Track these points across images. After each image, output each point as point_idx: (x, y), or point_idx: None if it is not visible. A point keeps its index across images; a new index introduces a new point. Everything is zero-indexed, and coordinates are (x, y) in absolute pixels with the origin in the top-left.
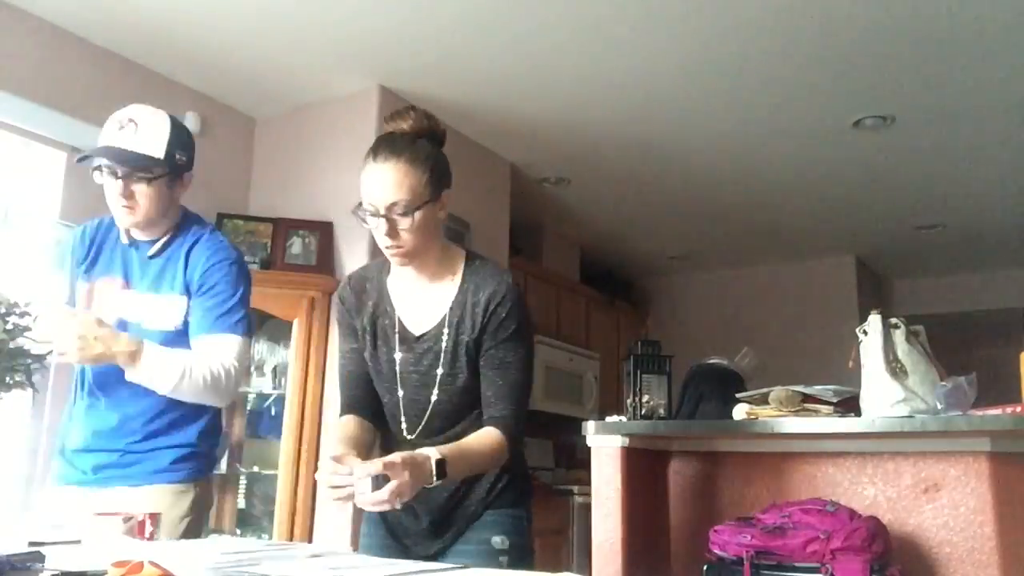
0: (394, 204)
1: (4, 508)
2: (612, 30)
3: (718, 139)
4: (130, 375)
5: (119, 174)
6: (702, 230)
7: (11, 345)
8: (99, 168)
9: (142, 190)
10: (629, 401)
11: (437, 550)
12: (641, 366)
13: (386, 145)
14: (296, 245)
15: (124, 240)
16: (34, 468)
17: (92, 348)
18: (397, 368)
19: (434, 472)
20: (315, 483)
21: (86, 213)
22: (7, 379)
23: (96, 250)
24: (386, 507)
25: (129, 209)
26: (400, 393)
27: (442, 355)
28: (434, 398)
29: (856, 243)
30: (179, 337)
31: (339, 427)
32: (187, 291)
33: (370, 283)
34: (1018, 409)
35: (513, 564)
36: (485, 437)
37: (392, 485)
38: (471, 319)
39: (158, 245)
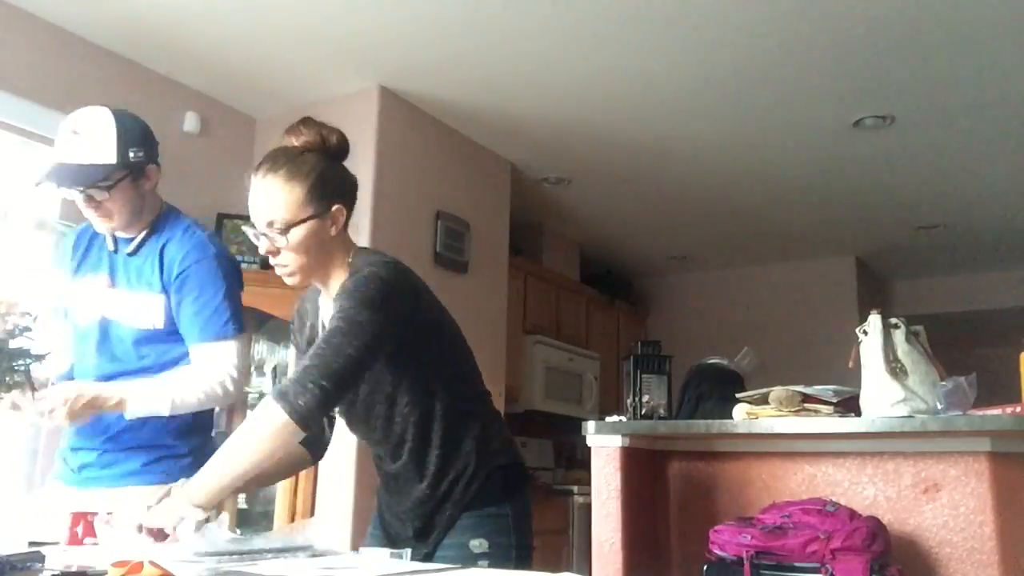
0: (270, 222)
1: (4, 508)
2: (612, 30)
3: (718, 139)
4: (128, 417)
5: (79, 189)
6: (702, 230)
7: (11, 345)
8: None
9: (106, 198)
10: (629, 401)
11: (423, 555)
12: (641, 366)
13: (267, 161)
14: None
15: (109, 244)
16: (34, 468)
17: (78, 411)
18: None
19: (187, 514)
20: (315, 483)
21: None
22: (7, 379)
23: (86, 250)
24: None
25: (102, 217)
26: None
27: None
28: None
29: (856, 243)
30: (158, 336)
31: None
32: (164, 291)
33: (310, 302)
34: (1018, 409)
35: (496, 566)
36: (252, 422)
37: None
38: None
39: (135, 243)
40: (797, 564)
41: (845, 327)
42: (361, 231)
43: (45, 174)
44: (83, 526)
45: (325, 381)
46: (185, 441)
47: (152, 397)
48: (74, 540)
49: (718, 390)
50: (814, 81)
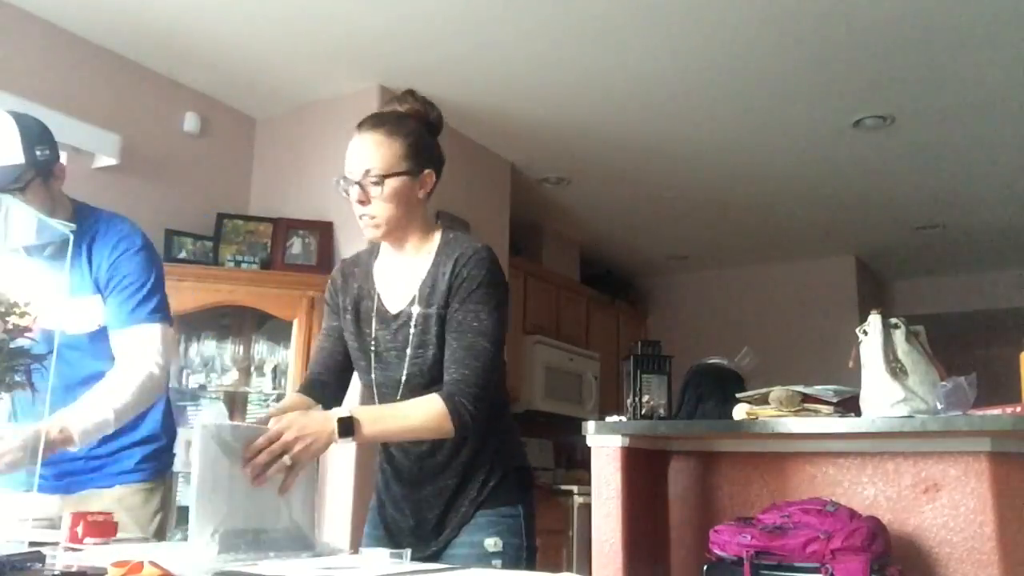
0: (367, 171)
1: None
2: (612, 30)
3: (718, 139)
4: (79, 448)
5: None
6: (702, 230)
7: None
8: None
9: (18, 199)
10: (629, 401)
11: (431, 553)
12: (641, 366)
13: (372, 118)
14: (296, 245)
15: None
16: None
17: (14, 462)
18: (373, 347)
19: (336, 431)
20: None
21: None
22: (7, 379)
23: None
24: (269, 459)
25: None
26: (375, 372)
27: (412, 330)
28: (404, 375)
29: (856, 243)
30: (103, 335)
31: (283, 401)
32: (98, 289)
33: (359, 266)
34: (1018, 409)
35: (508, 566)
36: (421, 401)
37: (276, 450)
38: (440, 288)
39: (55, 246)
40: (797, 564)
41: (845, 327)
42: (361, 231)
43: None
44: (83, 526)
45: (485, 405)
46: (168, 434)
47: (91, 417)
48: (74, 540)
49: (718, 390)
50: (814, 81)
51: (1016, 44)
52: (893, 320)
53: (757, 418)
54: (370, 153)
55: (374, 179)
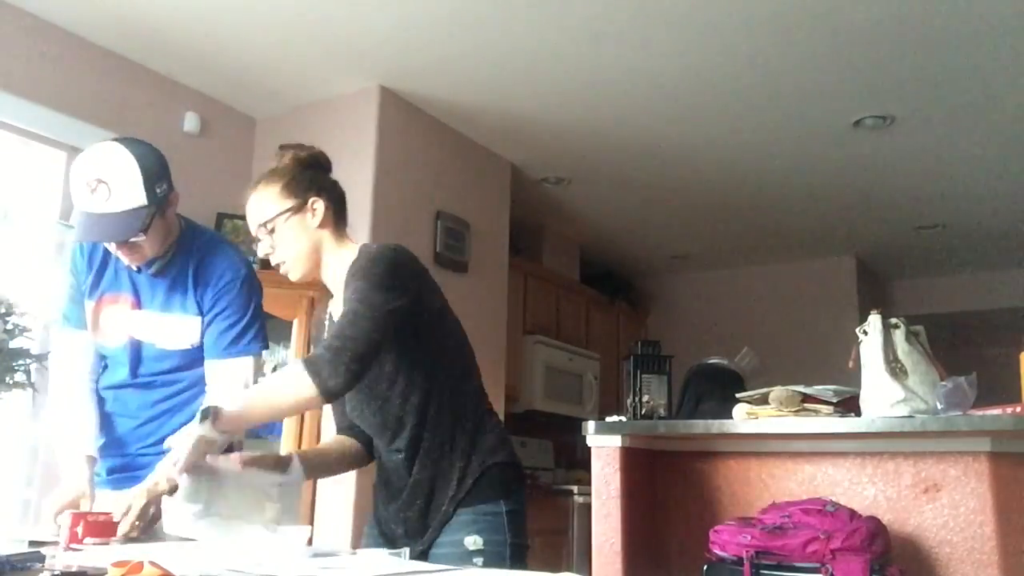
0: (260, 226)
1: (4, 508)
2: (612, 30)
3: (718, 139)
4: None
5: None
6: (702, 230)
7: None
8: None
9: (142, 239)
10: (629, 401)
11: (419, 552)
12: (641, 366)
13: (254, 183)
14: None
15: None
16: (34, 468)
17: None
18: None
19: (198, 419)
20: (315, 484)
21: None
22: (7, 379)
23: (101, 268)
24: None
25: (134, 258)
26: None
27: None
28: (367, 410)
29: (856, 243)
30: (197, 353)
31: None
32: (200, 311)
33: (325, 312)
34: (1018, 409)
35: (489, 564)
36: (283, 370)
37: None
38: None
39: (160, 264)
40: (797, 564)
41: (845, 327)
42: (361, 231)
43: (82, 230)
44: (83, 526)
45: (355, 364)
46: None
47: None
48: (74, 540)
49: (718, 390)
50: (814, 81)
51: (1016, 44)
52: (893, 320)
53: (757, 418)
54: (254, 209)
55: (267, 229)
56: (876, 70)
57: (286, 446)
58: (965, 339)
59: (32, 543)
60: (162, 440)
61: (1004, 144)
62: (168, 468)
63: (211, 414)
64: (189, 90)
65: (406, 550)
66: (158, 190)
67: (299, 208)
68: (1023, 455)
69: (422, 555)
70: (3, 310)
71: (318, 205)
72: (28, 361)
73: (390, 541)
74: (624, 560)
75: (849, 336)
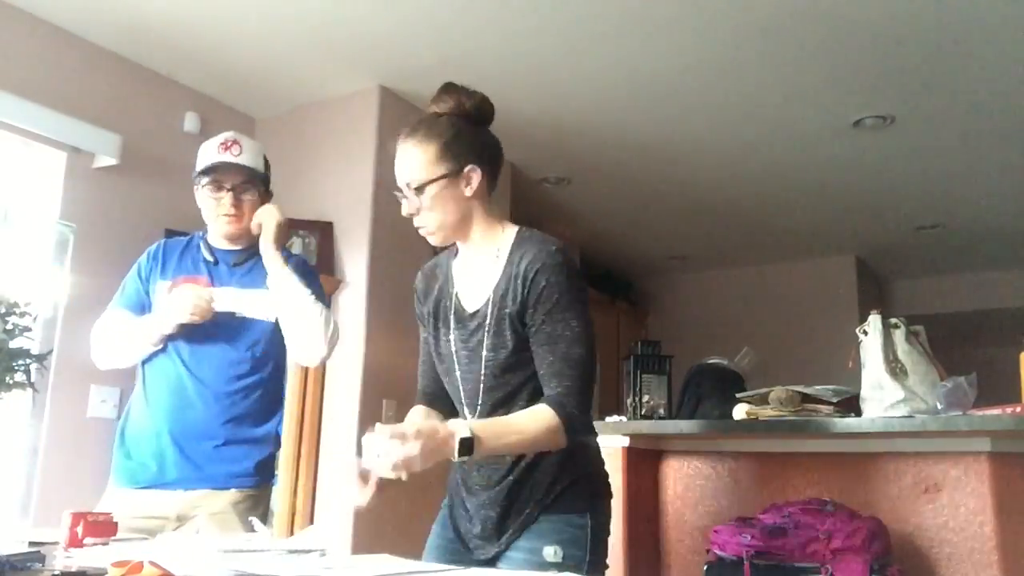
0: (408, 184)
1: (4, 508)
2: (612, 30)
3: (718, 139)
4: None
5: (230, 186)
6: (702, 230)
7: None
8: (206, 184)
9: (249, 200)
10: (629, 401)
11: (494, 555)
12: (641, 366)
13: (408, 127)
14: (296, 245)
15: (208, 257)
16: (34, 468)
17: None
18: (452, 347)
19: (456, 451)
20: (315, 484)
21: (86, 213)
22: (7, 379)
23: (171, 259)
24: (391, 475)
25: (235, 219)
26: (457, 373)
27: (487, 331)
28: (483, 376)
29: (856, 243)
30: (273, 328)
31: (409, 416)
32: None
33: (440, 268)
34: (1018, 409)
35: None
36: (534, 414)
37: (396, 455)
38: (513, 290)
39: (243, 256)
40: (797, 564)
41: (845, 327)
42: (361, 231)
43: (213, 167)
44: (83, 526)
45: (589, 406)
46: (277, 441)
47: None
48: (74, 540)
49: (718, 390)
50: (814, 81)
51: (1016, 44)
52: (893, 320)
53: (757, 418)
54: (406, 165)
55: (414, 189)
56: (876, 70)
57: (285, 450)
58: (965, 339)
59: (32, 543)
60: (229, 440)
61: (1004, 144)
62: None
63: (472, 447)
64: (189, 90)
65: (383, 555)
66: (268, 176)
67: (455, 175)
68: (1023, 455)
69: (496, 557)
70: (3, 310)
71: (475, 174)
72: (28, 361)
73: (465, 543)
74: (624, 560)
75: (849, 336)
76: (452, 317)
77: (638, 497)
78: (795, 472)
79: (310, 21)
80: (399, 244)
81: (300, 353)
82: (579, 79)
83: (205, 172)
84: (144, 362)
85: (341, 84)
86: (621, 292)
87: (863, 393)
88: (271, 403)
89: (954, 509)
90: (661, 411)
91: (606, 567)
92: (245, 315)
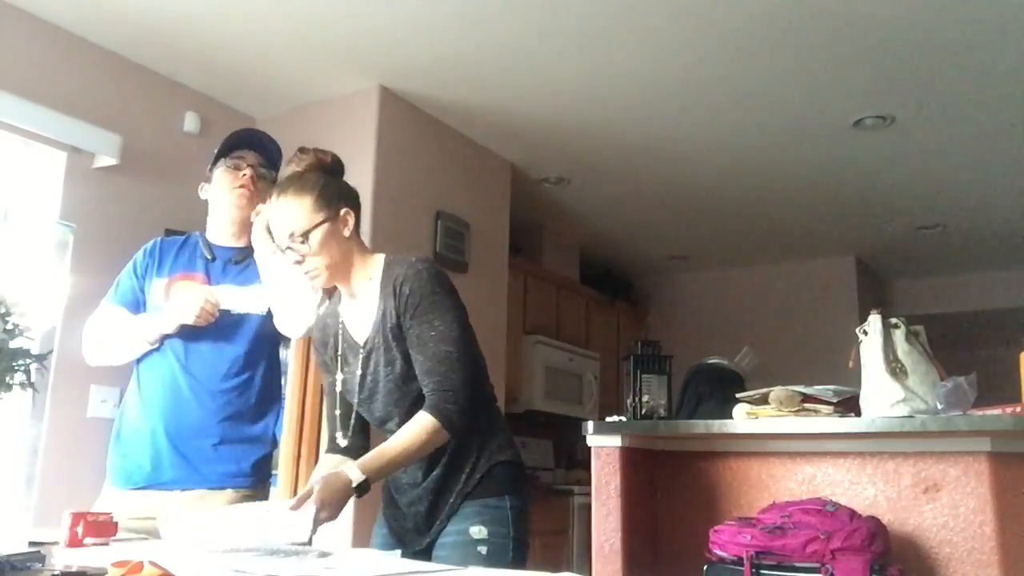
0: (291, 234)
1: (4, 508)
2: (612, 30)
3: (718, 139)
4: None
5: (248, 163)
6: (702, 230)
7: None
8: (233, 161)
9: (263, 185)
10: (629, 401)
11: (426, 544)
12: (641, 366)
13: (277, 188)
14: None
15: (207, 254)
16: (34, 468)
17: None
18: (357, 379)
19: (355, 495)
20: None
21: (86, 213)
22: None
23: (167, 256)
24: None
25: (250, 195)
26: (371, 400)
27: (380, 351)
28: (390, 391)
29: (856, 243)
30: (269, 320)
31: (319, 465)
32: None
33: (328, 315)
34: (1018, 409)
35: (493, 554)
36: (411, 426)
37: (309, 523)
38: (388, 308)
39: (241, 255)
40: (797, 564)
41: (845, 327)
42: (361, 231)
43: (240, 139)
44: (83, 526)
45: (463, 397)
46: (274, 441)
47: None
48: (74, 540)
49: (718, 390)
50: (814, 81)
51: (1016, 44)
52: (893, 320)
53: (757, 418)
54: (288, 217)
55: (299, 239)
56: (876, 70)
57: (285, 449)
58: (965, 339)
59: (32, 543)
60: (225, 439)
61: (1004, 144)
62: (308, 510)
63: (368, 486)
64: (189, 90)
65: (397, 552)
66: (278, 163)
67: (332, 219)
68: (1023, 455)
69: (430, 546)
70: (3, 310)
71: (349, 216)
72: (28, 361)
73: (399, 538)
74: (624, 560)
75: (849, 336)
76: (348, 352)
77: (638, 497)
78: (795, 472)
79: (310, 21)
80: (398, 244)
81: (286, 321)
82: (579, 79)
83: (232, 147)
84: (138, 360)
85: (341, 84)
86: (621, 292)
87: (863, 393)
88: (266, 400)
89: (954, 509)
90: (661, 411)
91: (528, 545)
92: (239, 311)
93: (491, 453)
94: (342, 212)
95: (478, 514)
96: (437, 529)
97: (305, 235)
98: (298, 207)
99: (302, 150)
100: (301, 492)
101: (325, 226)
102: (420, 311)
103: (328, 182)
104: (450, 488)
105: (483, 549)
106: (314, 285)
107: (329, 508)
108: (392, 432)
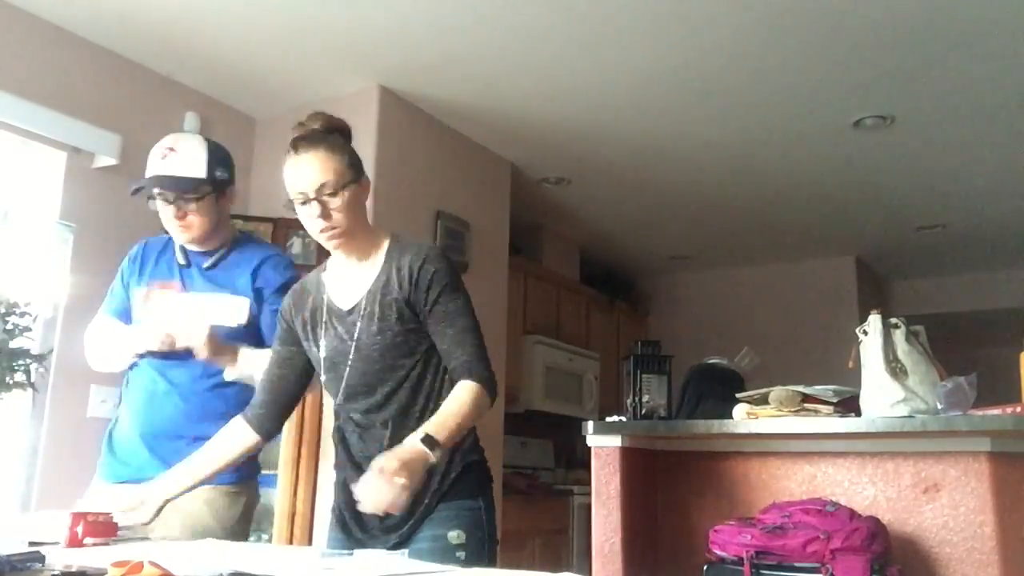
0: (323, 185)
1: (4, 508)
2: (612, 31)
3: (718, 139)
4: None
5: (171, 199)
6: (702, 230)
7: (11, 345)
8: (152, 196)
9: (193, 208)
10: (629, 401)
11: (393, 545)
12: (641, 366)
13: (304, 140)
14: (296, 245)
15: (180, 259)
16: (34, 468)
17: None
18: (333, 343)
19: (429, 452)
20: (315, 484)
21: (86, 213)
22: (7, 379)
23: (148, 263)
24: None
25: (185, 228)
26: (341, 366)
27: (365, 319)
28: (367, 358)
29: (856, 243)
30: (241, 333)
31: (223, 429)
32: (258, 298)
33: (309, 283)
34: (1018, 409)
35: (471, 558)
36: (457, 393)
37: (397, 485)
38: (397, 281)
39: (214, 258)
40: (797, 564)
41: (845, 327)
42: None
43: (146, 183)
44: (83, 526)
45: (490, 365)
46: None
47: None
48: (74, 540)
49: (718, 390)
50: (814, 81)
51: (1016, 44)
52: (893, 320)
53: (757, 418)
54: (320, 169)
55: (331, 191)
56: (876, 70)
57: (285, 450)
58: (965, 339)
59: (32, 543)
60: (200, 437)
61: (1004, 144)
62: (395, 486)
63: (437, 443)
64: (189, 90)
65: (405, 551)
66: (218, 174)
67: (360, 182)
68: (1023, 455)
69: (397, 547)
70: (3, 310)
71: (368, 184)
72: (28, 361)
73: (358, 538)
74: (624, 560)
75: (849, 336)
76: (332, 318)
77: (638, 497)
78: (795, 472)
79: (310, 21)
80: None
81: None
82: (579, 79)
83: (149, 185)
84: (129, 368)
85: (341, 84)
86: (621, 292)
87: (863, 393)
88: (249, 398)
89: (954, 509)
90: (661, 411)
91: (497, 543)
92: (213, 323)
93: (464, 452)
94: (363, 178)
95: (455, 517)
96: (409, 531)
97: (338, 190)
98: (335, 162)
99: (318, 112)
100: (385, 467)
101: (354, 186)
102: (447, 289)
103: (352, 149)
104: (426, 488)
105: (461, 554)
106: (331, 245)
107: (407, 485)
108: (358, 412)
